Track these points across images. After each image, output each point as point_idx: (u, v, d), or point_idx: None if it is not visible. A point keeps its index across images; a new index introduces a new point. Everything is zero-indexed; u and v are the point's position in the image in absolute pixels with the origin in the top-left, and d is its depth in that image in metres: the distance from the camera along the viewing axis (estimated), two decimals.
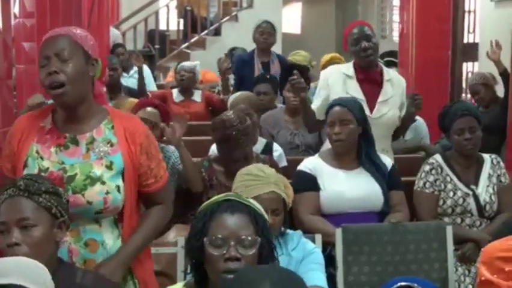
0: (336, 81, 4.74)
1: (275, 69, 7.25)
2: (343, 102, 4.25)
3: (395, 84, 4.84)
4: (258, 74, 7.11)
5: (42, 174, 2.80)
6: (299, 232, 3.42)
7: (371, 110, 4.68)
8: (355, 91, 4.70)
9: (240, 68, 7.40)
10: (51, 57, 2.78)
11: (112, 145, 2.88)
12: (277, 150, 5.07)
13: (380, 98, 4.75)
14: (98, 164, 2.85)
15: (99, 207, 2.83)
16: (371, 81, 4.78)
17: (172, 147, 4.61)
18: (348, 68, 4.85)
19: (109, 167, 2.86)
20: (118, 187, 2.86)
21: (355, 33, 4.75)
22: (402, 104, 4.84)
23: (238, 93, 5.57)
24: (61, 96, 2.78)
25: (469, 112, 4.39)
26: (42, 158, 2.85)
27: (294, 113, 5.72)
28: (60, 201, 2.65)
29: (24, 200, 2.58)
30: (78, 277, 2.59)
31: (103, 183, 2.83)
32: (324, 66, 7.52)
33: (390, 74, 4.89)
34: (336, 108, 4.19)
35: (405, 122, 4.93)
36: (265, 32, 7.31)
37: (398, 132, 5.02)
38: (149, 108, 4.61)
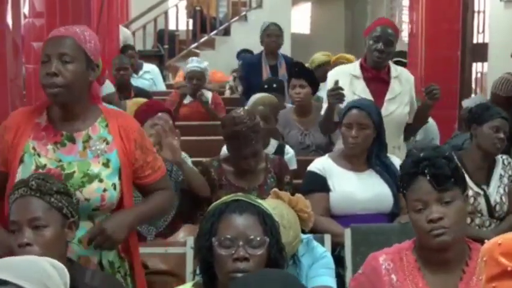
0: (344, 82, 4.67)
1: (283, 71, 7.24)
2: (363, 105, 4.21)
3: (402, 80, 4.83)
4: (266, 77, 7.11)
5: (40, 170, 2.83)
6: (310, 237, 3.38)
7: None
8: (362, 91, 4.70)
9: (248, 72, 7.39)
10: (53, 57, 2.81)
11: (107, 143, 2.93)
12: (288, 152, 5.07)
13: (388, 96, 4.74)
14: (96, 161, 2.89)
15: (96, 204, 2.87)
16: (378, 79, 4.77)
17: None
18: (354, 68, 4.84)
19: (106, 164, 2.90)
20: (114, 185, 2.91)
21: (378, 31, 4.74)
22: (411, 100, 4.84)
23: (258, 96, 5.49)
24: (55, 96, 2.82)
25: (507, 120, 4.39)
26: (39, 155, 2.88)
27: (302, 113, 5.72)
28: (70, 201, 2.67)
29: (36, 200, 2.59)
30: (87, 277, 2.59)
31: (101, 180, 2.87)
32: (332, 66, 7.53)
33: (398, 71, 4.89)
34: (355, 111, 4.16)
35: (422, 115, 4.90)
36: (273, 35, 7.33)
37: (413, 128, 5.02)
38: (160, 114, 4.54)
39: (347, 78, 4.72)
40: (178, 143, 4.26)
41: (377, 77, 4.78)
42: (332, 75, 4.84)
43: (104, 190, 2.87)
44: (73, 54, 2.82)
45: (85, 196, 2.84)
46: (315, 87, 5.86)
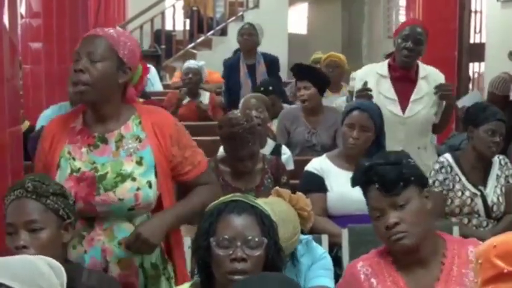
0: (371, 82, 4.72)
1: (261, 70, 7.29)
2: (366, 107, 4.21)
3: (431, 80, 4.82)
4: (244, 76, 7.19)
5: (75, 174, 2.83)
6: (309, 237, 3.38)
7: (403, 110, 4.69)
8: (387, 91, 4.72)
9: (228, 72, 7.46)
10: (82, 55, 2.80)
11: (140, 141, 2.89)
12: (285, 153, 5.08)
13: (413, 97, 4.76)
14: (129, 160, 2.86)
15: (130, 204, 2.83)
16: (405, 79, 4.78)
17: None
18: (382, 67, 4.86)
19: (139, 162, 2.86)
20: (149, 183, 2.85)
21: (407, 30, 4.77)
22: (438, 101, 4.84)
23: (250, 94, 5.65)
24: (80, 94, 2.81)
25: (504, 121, 4.37)
26: (74, 159, 2.87)
27: (310, 112, 5.70)
28: (67, 202, 2.66)
29: (32, 202, 2.58)
30: (84, 277, 2.58)
31: (134, 179, 2.83)
32: (323, 65, 7.56)
33: (427, 71, 4.89)
34: (358, 112, 4.15)
35: (445, 115, 4.92)
36: (245, 33, 7.40)
37: (439, 128, 5.01)
38: None
39: (374, 77, 4.75)
40: None
41: (404, 77, 4.79)
42: (361, 74, 4.88)
43: (138, 189, 2.82)
44: (102, 53, 2.80)
45: (118, 196, 2.81)
46: (321, 87, 5.80)
